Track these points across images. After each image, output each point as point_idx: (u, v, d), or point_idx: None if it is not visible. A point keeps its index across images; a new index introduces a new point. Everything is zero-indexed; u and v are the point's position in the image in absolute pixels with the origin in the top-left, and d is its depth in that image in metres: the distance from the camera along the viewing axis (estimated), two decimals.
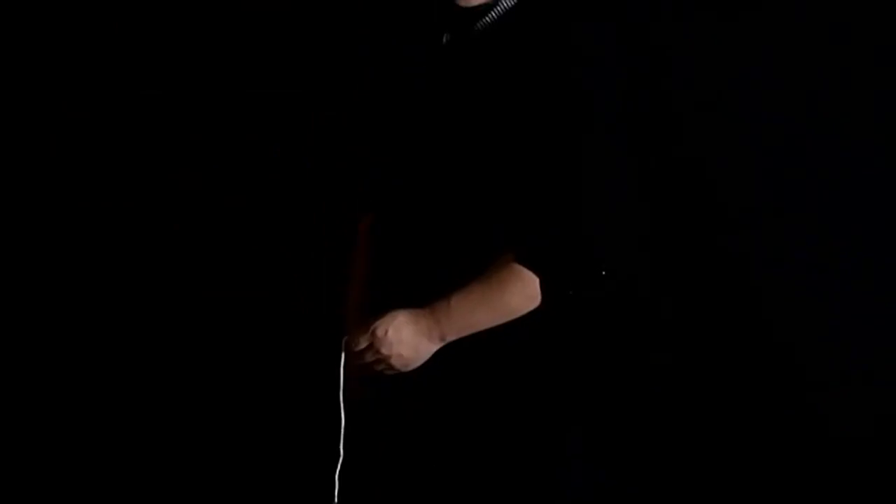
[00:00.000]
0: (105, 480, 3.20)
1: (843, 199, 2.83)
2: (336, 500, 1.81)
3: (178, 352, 3.20)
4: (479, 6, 1.66)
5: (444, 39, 1.72)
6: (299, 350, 3.13)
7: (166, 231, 3.19)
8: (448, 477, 1.78)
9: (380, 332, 1.68)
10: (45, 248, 3.23)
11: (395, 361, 1.69)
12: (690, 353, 2.94)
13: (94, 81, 3.19)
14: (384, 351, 1.68)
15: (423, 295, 1.70)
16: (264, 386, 3.16)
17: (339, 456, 1.79)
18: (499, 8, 1.67)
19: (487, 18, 1.67)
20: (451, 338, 1.68)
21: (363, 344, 1.72)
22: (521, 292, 1.64)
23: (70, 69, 3.19)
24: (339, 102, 3.07)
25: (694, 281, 2.92)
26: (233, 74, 3.14)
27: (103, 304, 3.22)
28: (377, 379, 1.76)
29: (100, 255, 3.22)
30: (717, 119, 2.84)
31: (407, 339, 1.67)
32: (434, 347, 1.68)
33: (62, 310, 3.23)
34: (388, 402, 1.80)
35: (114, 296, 3.22)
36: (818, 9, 2.75)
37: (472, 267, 1.67)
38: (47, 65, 3.20)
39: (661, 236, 2.86)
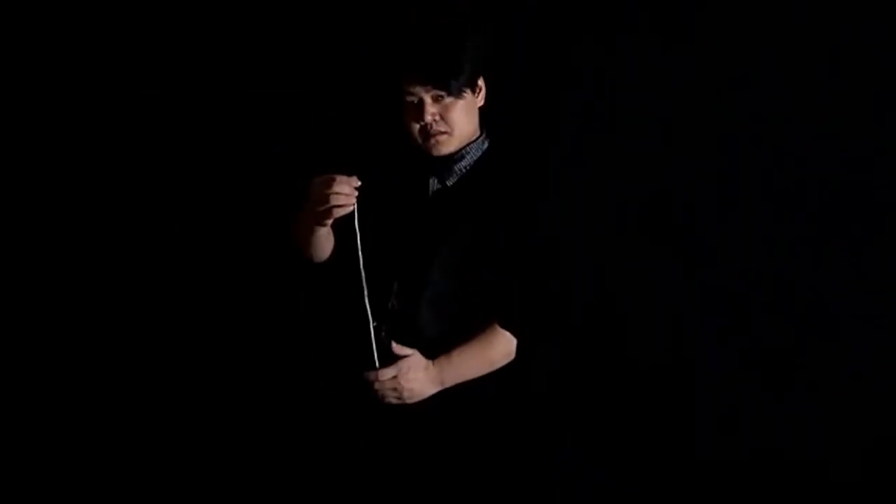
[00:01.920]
0: (105, 480, 3.21)
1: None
2: None
3: (177, 351, 3.20)
4: (452, 156, 2.28)
5: (431, 184, 2.33)
6: (298, 350, 3.13)
7: (166, 231, 3.19)
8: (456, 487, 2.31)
9: (404, 368, 2.23)
10: (46, 248, 3.23)
11: (405, 393, 2.23)
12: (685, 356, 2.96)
13: (94, 81, 3.19)
14: (402, 383, 2.23)
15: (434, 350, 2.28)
16: (263, 386, 3.16)
17: None
18: (467, 159, 2.30)
19: (460, 166, 2.29)
20: (449, 384, 2.25)
21: (390, 374, 2.23)
22: (503, 350, 2.27)
23: (70, 69, 3.20)
24: (339, 102, 3.07)
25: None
26: (233, 74, 3.14)
27: (103, 303, 3.23)
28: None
29: (100, 255, 3.22)
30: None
31: (420, 379, 2.23)
32: (434, 390, 2.26)
33: (62, 309, 3.23)
34: (404, 426, 2.32)
35: (114, 295, 3.22)
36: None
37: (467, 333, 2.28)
38: (47, 65, 3.20)
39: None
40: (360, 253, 2.19)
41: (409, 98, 2.23)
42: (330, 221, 2.19)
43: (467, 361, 2.26)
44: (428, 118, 2.22)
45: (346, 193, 2.13)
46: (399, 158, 2.33)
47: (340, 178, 2.13)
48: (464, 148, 2.30)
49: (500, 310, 2.27)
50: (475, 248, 2.25)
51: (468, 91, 2.25)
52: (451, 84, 2.20)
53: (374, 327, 2.24)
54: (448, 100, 2.22)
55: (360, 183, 2.15)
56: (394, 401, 2.25)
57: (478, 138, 2.33)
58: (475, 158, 2.31)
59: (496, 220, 2.26)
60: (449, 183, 2.32)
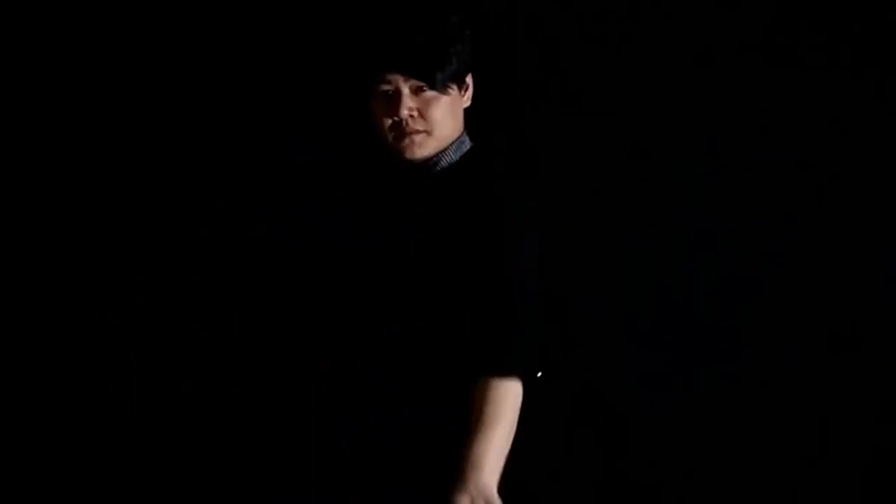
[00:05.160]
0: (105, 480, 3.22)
1: None
2: None
3: (177, 352, 3.21)
4: (427, 161, 1.97)
5: (403, 193, 2.01)
6: (298, 350, 3.13)
7: (165, 230, 3.19)
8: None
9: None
10: (45, 249, 3.23)
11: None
12: None
13: (94, 81, 3.19)
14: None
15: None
16: (263, 387, 3.16)
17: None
18: (442, 163, 1.98)
19: (438, 169, 1.98)
20: (489, 475, 1.84)
21: None
22: (515, 401, 1.84)
23: (70, 69, 3.20)
24: (338, 102, 3.07)
25: None
26: (233, 74, 3.14)
27: (103, 303, 3.23)
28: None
29: (99, 255, 3.22)
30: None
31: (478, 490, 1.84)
32: (491, 482, 1.85)
33: (60, 310, 3.23)
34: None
35: (114, 296, 3.23)
36: None
37: (443, 370, 1.93)
38: (47, 64, 3.20)
39: None
40: None
41: (384, 87, 1.92)
42: None
43: (495, 450, 1.84)
44: (404, 113, 1.91)
45: None
46: (369, 164, 2.13)
47: None
48: (441, 151, 1.99)
49: (482, 355, 1.88)
50: (448, 256, 1.94)
51: (453, 86, 1.95)
52: (436, 75, 1.89)
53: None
54: (429, 94, 1.92)
55: None
56: None
57: (457, 139, 2.01)
58: (452, 161, 2.00)
59: (469, 230, 1.93)
60: (421, 189, 2.01)
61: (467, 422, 1.86)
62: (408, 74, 1.88)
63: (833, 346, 2.89)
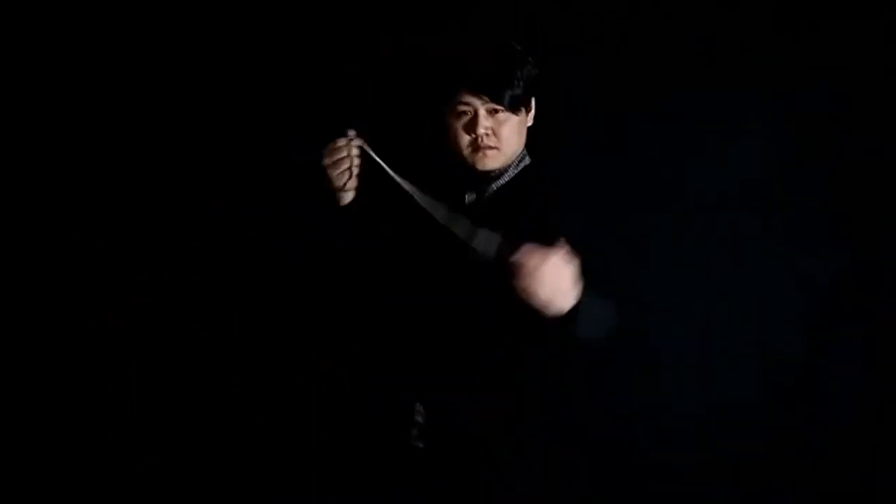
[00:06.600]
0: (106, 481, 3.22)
1: None
2: None
3: (177, 352, 3.21)
4: (491, 172, 2.27)
5: (467, 198, 2.32)
6: (300, 351, 3.14)
7: (165, 230, 3.19)
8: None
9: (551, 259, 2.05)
10: (45, 249, 3.24)
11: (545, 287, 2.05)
12: None
13: (94, 81, 3.20)
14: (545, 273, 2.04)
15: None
16: (264, 388, 3.17)
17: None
18: (505, 176, 2.29)
19: (498, 183, 2.28)
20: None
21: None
22: None
23: (70, 69, 3.20)
24: (338, 102, 3.08)
25: None
26: (233, 74, 3.14)
27: (103, 303, 3.23)
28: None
29: (99, 255, 3.22)
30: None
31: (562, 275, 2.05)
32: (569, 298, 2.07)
33: (60, 310, 3.24)
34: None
35: (114, 296, 3.23)
36: None
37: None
38: (47, 65, 3.21)
39: None
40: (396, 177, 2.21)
41: (463, 109, 2.23)
42: (347, 188, 2.27)
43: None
44: (481, 131, 2.22)
45: (343, 157, 2.21)
46: (436, 169, 2.33)
47: (332, 147, 2.23)
48: (507, 165, 2.30)
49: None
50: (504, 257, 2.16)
51: (522, 108, 2.26)
52: (508, 99, 2.21)
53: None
54: (502, 115, 2.23)
55: (355, 137, 2.22)
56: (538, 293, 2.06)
57: (520, 155, 2.33)
58: (514, 175, 2.31)
59: (525, 232, 2.15)
60: (485, 196, 2.32)
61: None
62: (486, 99, 2.19)
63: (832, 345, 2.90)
